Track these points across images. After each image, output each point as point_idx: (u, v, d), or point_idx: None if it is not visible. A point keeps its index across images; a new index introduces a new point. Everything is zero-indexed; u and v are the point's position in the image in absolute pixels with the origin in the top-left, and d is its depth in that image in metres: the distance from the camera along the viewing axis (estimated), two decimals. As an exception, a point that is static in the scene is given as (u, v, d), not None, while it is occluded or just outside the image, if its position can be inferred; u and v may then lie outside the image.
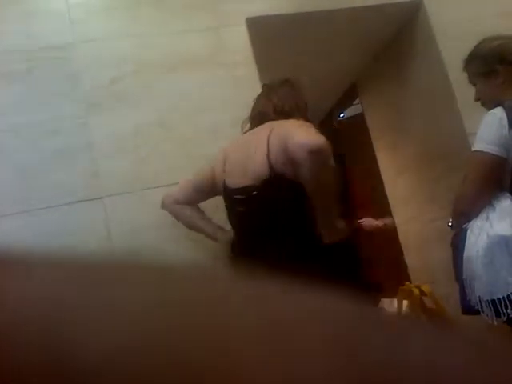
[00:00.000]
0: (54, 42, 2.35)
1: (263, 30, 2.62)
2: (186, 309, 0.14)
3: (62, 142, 2.24)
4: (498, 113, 1.65)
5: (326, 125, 4.45)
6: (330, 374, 0.13)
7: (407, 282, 2.77)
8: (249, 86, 2.42)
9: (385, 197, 3.75)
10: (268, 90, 2.04)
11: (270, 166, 1.77)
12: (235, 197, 1.88)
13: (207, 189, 2.01)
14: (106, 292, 0.14)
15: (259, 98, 2.04)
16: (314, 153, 1.61)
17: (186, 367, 0.13)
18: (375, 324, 0.16)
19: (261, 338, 0.14)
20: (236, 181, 1.88)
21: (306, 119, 1.89)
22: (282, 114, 1.89)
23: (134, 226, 2.21)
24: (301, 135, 1.68)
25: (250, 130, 2.00)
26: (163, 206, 2.09)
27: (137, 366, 0.13)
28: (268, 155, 1.78)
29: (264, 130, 1.86)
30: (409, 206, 3.47)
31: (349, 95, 4.14)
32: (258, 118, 1.96)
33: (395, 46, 3.22)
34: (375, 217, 3.10)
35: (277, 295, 0.16)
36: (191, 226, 2.05)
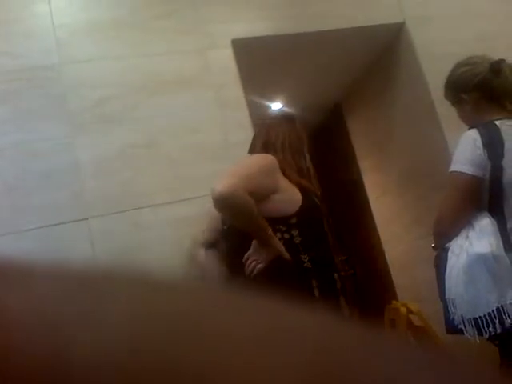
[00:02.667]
0: (40, 63, 2.35)
1: (249, 52, 2.65)
2: (174, 321, 0.14)
3: (48, 162, 2.23)
4: (473, 134, 1.70)
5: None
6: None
7: (394, 301, 2.78)
8: (235, 107, 2.44)
9: (370, 216, 3.77)
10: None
11: None
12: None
13: None
14: (96, 304, 0.14)
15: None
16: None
17: (173, 379, 0.13)
18: (344, 339, 0.16)
19: (249, 350, 0.14)
20: None
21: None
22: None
23: (120, 246, 2.19)
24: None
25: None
26: (230, 194, 1.65)
27: (125, 378, 0.13)
28: None
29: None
30: (395, 224, 3.49)
31: (334, 115, 4.17)
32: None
33: (379, 66, 3.27)
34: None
35: (267, 308, 0.16)
36: (251, 221, 1.73)
